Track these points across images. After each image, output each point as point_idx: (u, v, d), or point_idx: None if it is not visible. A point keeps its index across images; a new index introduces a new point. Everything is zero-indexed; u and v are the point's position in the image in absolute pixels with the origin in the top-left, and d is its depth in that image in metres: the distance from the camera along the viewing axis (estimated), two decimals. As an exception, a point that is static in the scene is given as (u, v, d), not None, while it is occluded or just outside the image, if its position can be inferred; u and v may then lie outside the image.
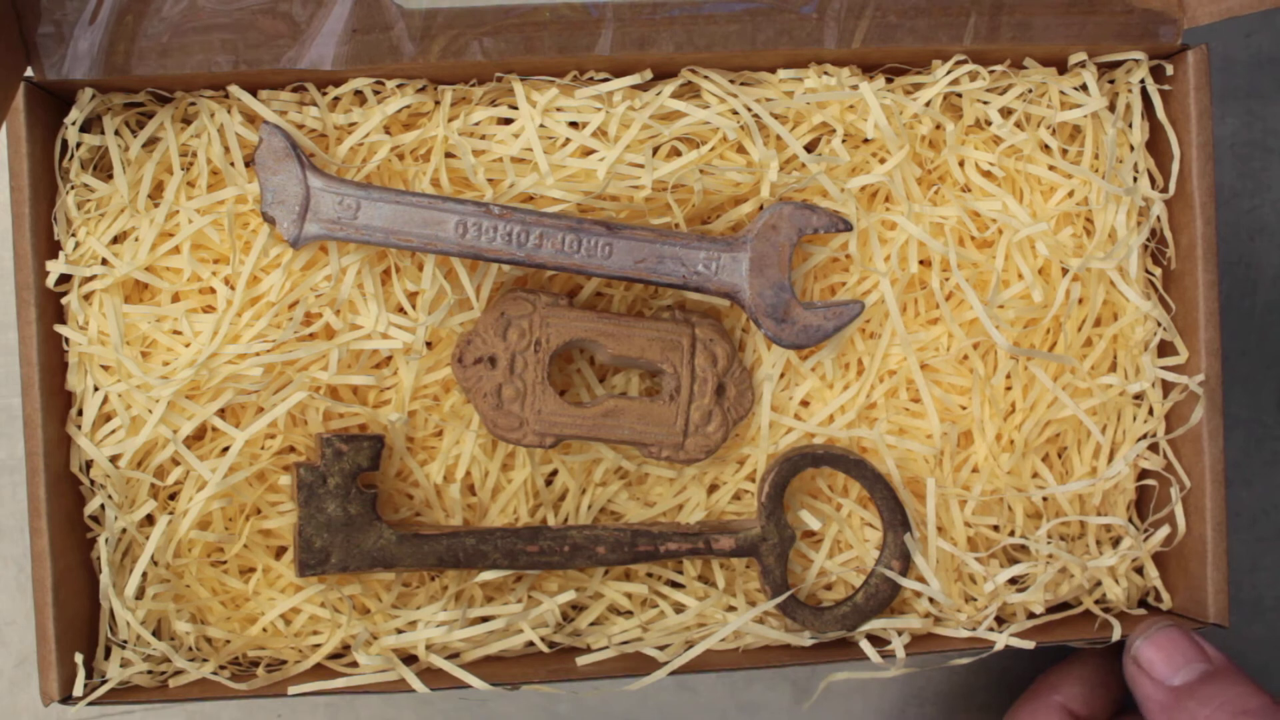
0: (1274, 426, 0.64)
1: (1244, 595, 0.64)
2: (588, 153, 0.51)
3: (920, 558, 0.52)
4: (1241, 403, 0.63)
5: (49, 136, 0.49)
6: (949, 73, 0.52)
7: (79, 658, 0.48)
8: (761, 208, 0.52)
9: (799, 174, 0.52)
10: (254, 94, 0.50)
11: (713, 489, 0.53)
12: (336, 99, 0.51)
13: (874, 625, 0.52)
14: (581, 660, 0.50)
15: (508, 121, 0.52)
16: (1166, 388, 0.53)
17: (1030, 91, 0.53)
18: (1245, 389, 0.64)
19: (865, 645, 0.51)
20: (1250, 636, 0.65)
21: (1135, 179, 0.53)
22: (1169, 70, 0.52)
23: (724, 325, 0.52)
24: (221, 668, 0.51)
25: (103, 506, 0.50)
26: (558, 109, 0.51)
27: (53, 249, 0.50)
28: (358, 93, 0.51)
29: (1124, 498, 0.54)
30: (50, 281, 0.49)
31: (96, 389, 0.50)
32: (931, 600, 0.53)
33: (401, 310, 0.51)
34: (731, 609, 0.52)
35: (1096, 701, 0.52)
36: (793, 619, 0.51)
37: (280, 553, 0.52)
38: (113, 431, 0.50)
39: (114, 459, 0.50)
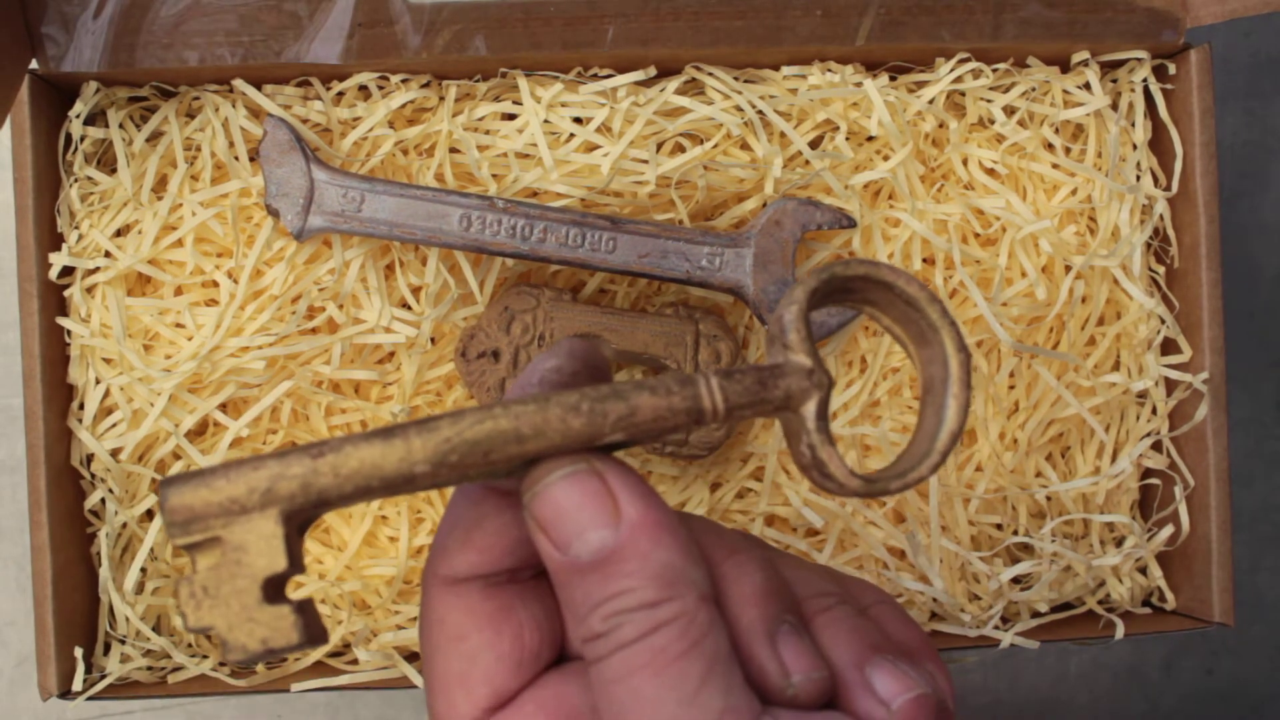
0: (1274, 426, 0.64)
1: (1244, 595, 0.64)
2: (592, 148, 0.51)
3: (924, 558, 0.52)
4: (1242, 403, 0.63)
5: (53, 129, 0.49)
6: (952, 70, 0.52)
7: (79, 652, 0.48)
8: (765, 204, 0.52)
9: (803, 170, 0.52)
10: (258, 88, 0.50)
11: (715, 486, 0.53)
12: (341, 94, 0.51)
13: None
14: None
15: (512, 117, 0.52)
16: (1170, 386, 0.53)
17: (1033, 90, 0.53)
18: (1245, 389, 0.64)
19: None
20: (1250, 636, 0.65)
21: (1138, 177, 0.53)
22: (1171, 69, 0.52)
23: (727, 322, 0.52)
24: (221, 664, 0.50)
25: (103, 500, 0.49)
26: (562, 104, 0.51)
27: (56, 241, 0.49)
28: (362, 87, 0.51)
29: (1127, 496, 0.54)
30: (53, 274, 0.49)
31: (98, 382, 0.49)
32: (935, 599, 0.52)
33: (405, 305, 0.51)
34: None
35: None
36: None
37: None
38: (114, 425, 0.50)
39: (115, 452, 0.49)
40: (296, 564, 0.34)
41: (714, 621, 0.29)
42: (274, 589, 0.35)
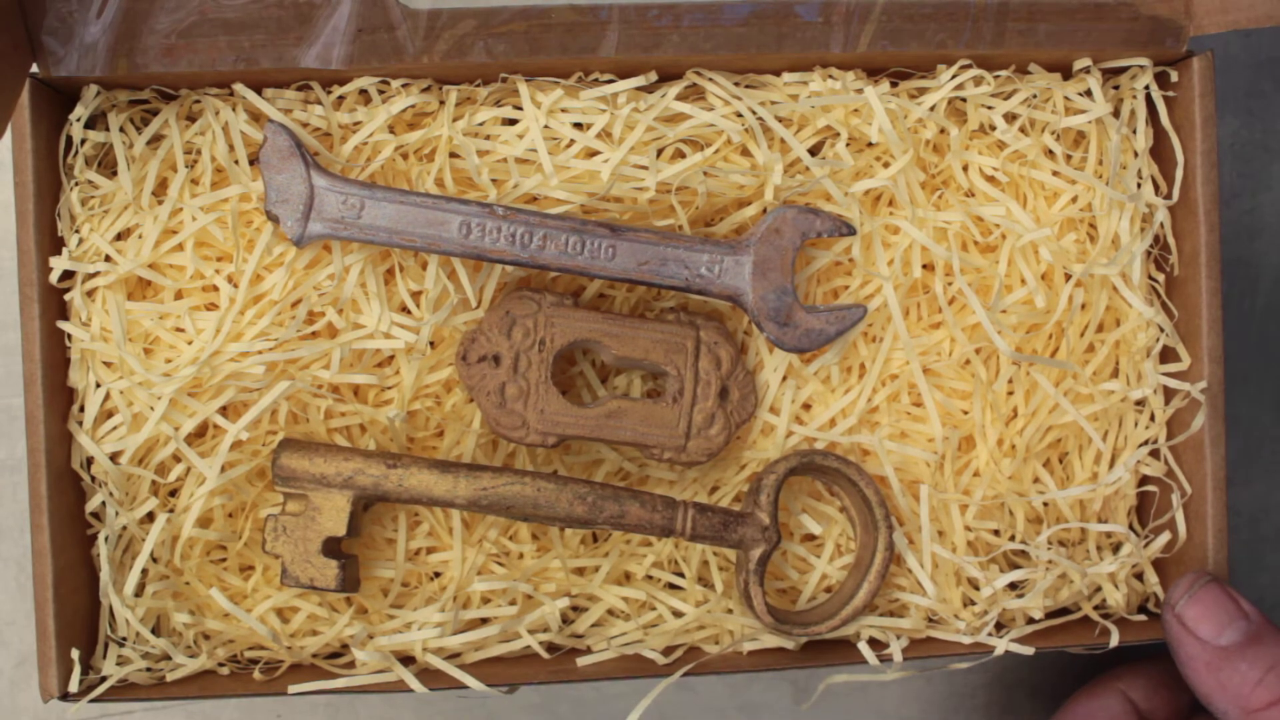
0: (1273, 427, 0.64)
1: (1244, 596, 0.64)
2: (592, 154, 0.51)
3: (916, 565, 0.52)
4: (1241, 403, 0.63)
5: (53, 133, 0.49)
6: (954, 77, 0.52)
7: (75, 654, 0.48)
8: (765, 211, 0.52)
9: (803, 177, 0.52)
10: (259, 92, 0.50)
11: (713, 490, 0.53)
12: (341, 98, 0.51)
13: (872, 624, 0.52)
14: (582, 661, 0.50)
15: (512, 122, 0.52)
16: (1168, 394, 0.53)
17: (1035, 97, 0.53)
18: (1245, 390, 0.64)
19: (863, 648, 0.51)
20: (1248, 640, 0.65)
21: (1139, 185, 0.53)
22: (1174, 77, 0.52)
23: (727, 327, 0.52)
24: (220, 665, 0.51)
25: (104, 503, 0.50)
26: (562, 110, 0.51)
27: (56, 245, 0.49)
28: (363, 92, 0.51)
29: (1125, 503, 0.54)
30: (53, 278, 0.49)
31: (98, 386, 0.50)
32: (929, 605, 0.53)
33: (405, 309, 0.51)
34: (729, 611, 0.52)
35: (1159, 699, 0.53)
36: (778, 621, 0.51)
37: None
38: (114, 429, 0.50)
39: (115, 456, 0.50)
40: (354, 532, 0.48)
41: None
42: (331, 545, 0.47)
